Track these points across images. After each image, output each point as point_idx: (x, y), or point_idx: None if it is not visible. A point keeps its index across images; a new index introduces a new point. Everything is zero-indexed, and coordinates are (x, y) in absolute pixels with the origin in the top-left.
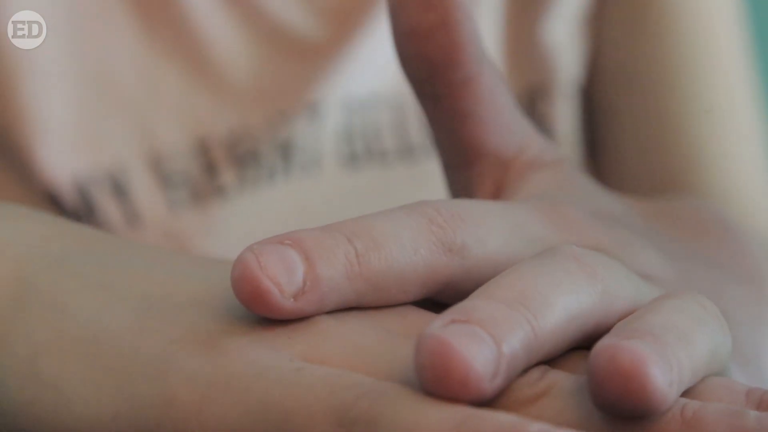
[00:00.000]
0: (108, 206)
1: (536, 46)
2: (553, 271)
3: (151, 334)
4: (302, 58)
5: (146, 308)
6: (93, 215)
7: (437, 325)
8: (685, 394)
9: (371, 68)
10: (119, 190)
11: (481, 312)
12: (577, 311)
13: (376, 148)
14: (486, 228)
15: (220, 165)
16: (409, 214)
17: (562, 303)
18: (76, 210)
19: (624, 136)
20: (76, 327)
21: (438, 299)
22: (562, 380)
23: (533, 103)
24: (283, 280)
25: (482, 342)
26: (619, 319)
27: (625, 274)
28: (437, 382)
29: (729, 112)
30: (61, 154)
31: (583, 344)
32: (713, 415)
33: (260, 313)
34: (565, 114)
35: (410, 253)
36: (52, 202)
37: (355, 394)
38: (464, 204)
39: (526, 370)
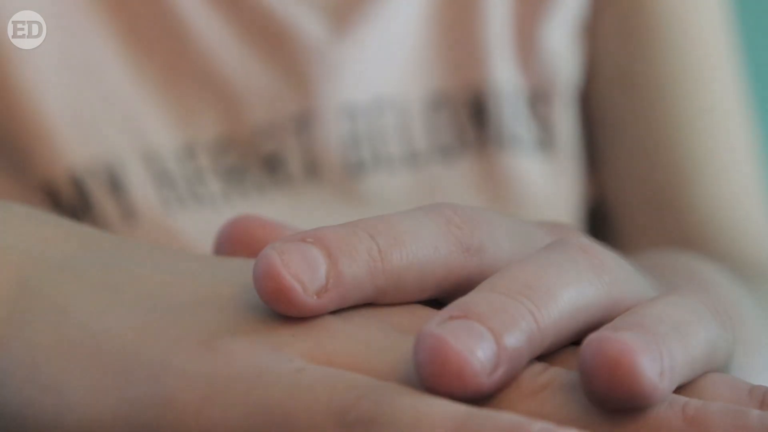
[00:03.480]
0: (105, 201)
1: (538, 50)
2: (559, 262)
3: (153, 335)
4: (298, 63)
5: (149, 309)
6: (89, 210)
7: (435, 321)
8: (687, 390)
9: (372, 70)
10: (116, 184)
11: (480, 306)
12: (582, 303)
13: (382, 153)
14: (500, 231)
15: (207, 174)
16: (427, 214)
17: (567, 294)
18: (73, 205)
19: (621, 142)
20: (77, 329)
21: (447, 300)
22: (563, 375)
23: (534, 105)
24: (306, 277)
25: (479, 337)
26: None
27: (632, 269)
28: (435, 379)
29: (724, 116)
30: (58, 148)
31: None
32: (715, 414)
33: (282, 311)
34: (565, 118)
35: (430, 251)
36: (49, 197)
37: (355, 394)
38: (478, 208)
39: (528, 363)
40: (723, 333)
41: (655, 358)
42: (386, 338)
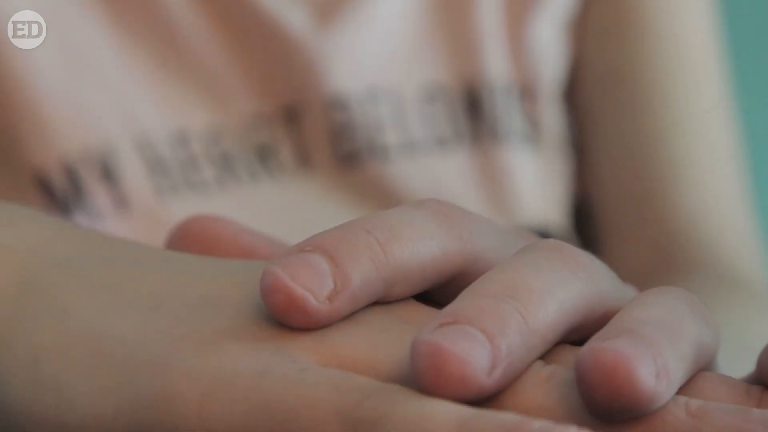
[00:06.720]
0: (97, 190)
1: (527, 46)
2: (536, 262)
3: (156, 333)
4: (283, 56)
5: (152, 307)
6: (81, 199)
7: (426, 330)
8: (685, 390)
9: (364, 61)
10: (108, 173)
11: (469, 310)
12: (565, 297)
13: (378, 142)
14: (482, 224)
15: (200, 160)
16: (415, 208)
17: (549, 291)
18: (65, 194)
19: (605, 140)
20: (79, 326)
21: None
22: (562, 372)
23: (521, 100)
24: (315, 285)
25: (473, 339)
26: (606, 310)
27: (606, 269)
28: (436, 385)
29: (709, 116)
30: (50, 136)
31: (573, 336)
32: (718, 410)
33: (296, 324)
34: (550, 115)
35: (427, 239)
36: (41, 186)
37: (360, 395)
38: (460, 207)
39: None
40: (708, 330)
41: (649, 362)
42: (389, 337)
